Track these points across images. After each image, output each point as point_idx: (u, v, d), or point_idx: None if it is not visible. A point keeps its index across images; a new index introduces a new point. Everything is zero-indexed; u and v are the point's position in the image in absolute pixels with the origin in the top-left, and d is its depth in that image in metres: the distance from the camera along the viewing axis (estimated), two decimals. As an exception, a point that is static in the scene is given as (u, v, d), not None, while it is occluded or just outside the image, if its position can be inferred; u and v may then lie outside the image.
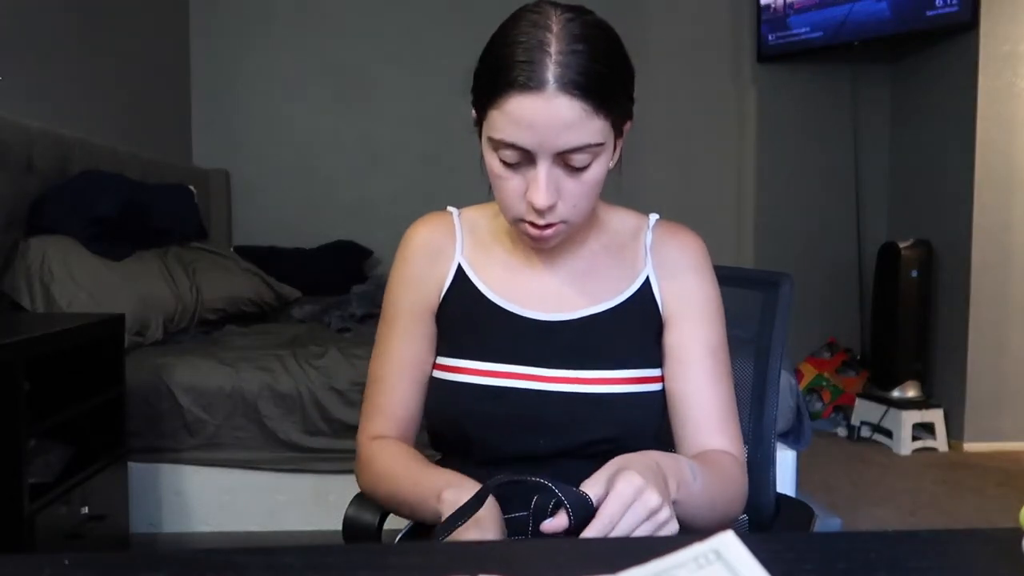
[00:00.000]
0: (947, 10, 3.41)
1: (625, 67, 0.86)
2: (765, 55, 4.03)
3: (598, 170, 0.85)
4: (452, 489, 0.82)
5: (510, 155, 0.83)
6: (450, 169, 3.91)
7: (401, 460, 0.93)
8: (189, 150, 3.92)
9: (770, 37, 3.98)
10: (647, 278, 0.97)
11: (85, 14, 2.95)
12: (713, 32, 4.10)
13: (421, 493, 0.87)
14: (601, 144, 0.83)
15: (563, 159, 0.83)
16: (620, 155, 0.91)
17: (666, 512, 0.72)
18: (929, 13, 3.47)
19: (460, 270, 0.98)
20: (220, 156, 3.93)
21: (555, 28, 0.81)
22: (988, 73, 3.37)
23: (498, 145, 0.83)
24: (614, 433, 0.90)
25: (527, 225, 0.87)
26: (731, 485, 0.90)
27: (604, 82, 0.81)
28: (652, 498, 0.71)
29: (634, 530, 0.70)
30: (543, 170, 0.82)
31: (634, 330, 0.95)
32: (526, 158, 0.83)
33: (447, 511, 0.78)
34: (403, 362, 0.98)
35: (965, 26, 3.38)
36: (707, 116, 4.11)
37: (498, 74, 0.81)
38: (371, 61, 4.00)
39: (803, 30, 3.86)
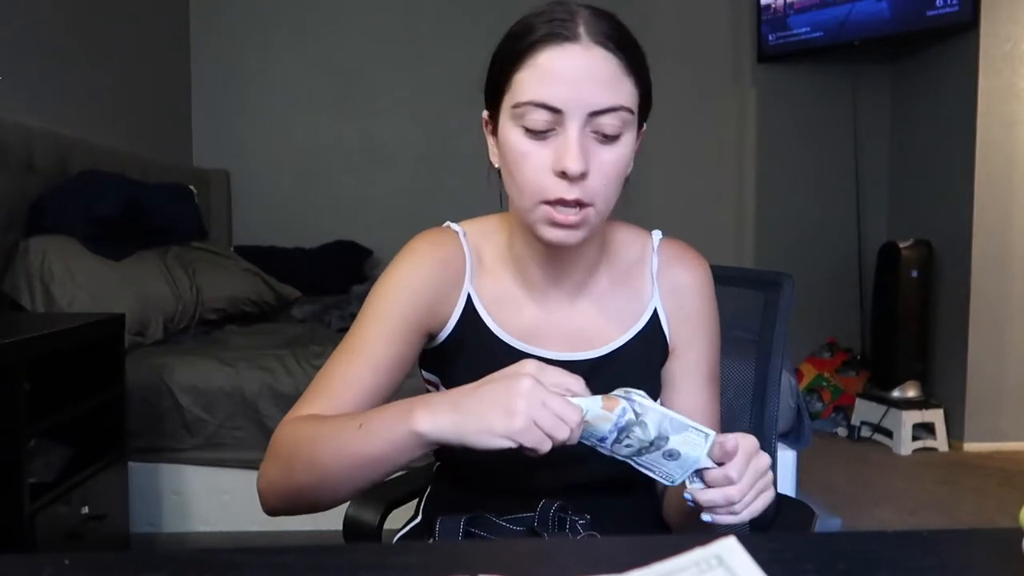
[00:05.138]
0: (947, 10, 3.41)
1: (645, 58, 0.83)
2: (765, 55, 4.03)
3: (626, 147, 0.81)
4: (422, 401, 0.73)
5: (538, 119, 0.78)
6: (450, 169, 3.92)
7: (333, 417, 0.80)
8: (189, 150, 3.92)
9: (770, 37, 3.98)
10: (655, 310, 0.94)
11: (85, 14, 2.95)
12: (713, 32, 4.10)
13: (378, 424, 0.74)
14: (632, 113, 0.80)
15: (594, 124, 0.78)
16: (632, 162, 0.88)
17: (771, 476, 0.74)
18: (929, 13, 3.46)
19: (469, 301, 0.91)
20: (220, 156, 3.93)
21: (578, 6, 0.80)
22: (988, 73, 3.37)
23: (523, 111, 0.78)
24: (616, 471, 0.85)
25: (551, 210, 0.79)
26: None
27: (634, 48, 0.81)
28: (766, 458, 0.74)
29: (752, 486, 0.72)
30: (574, 131, 0.77)
31: (642, 365, 0.93)
32: (555, 123, 0.78)
33: (432, 402, 0.71)
34: (376, 361, 0.85)
35: (965, 26, 3.38)
36: (707, 116, 4.11)
37: (523, 39, 0.79)
38: (371, 61, 4.00)
39: (803, 30, 3.86)
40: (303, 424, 0.80)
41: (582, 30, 0.78)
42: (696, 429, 0.71)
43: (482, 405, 0.69)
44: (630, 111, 0.80)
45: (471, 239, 0.93)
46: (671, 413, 0.71)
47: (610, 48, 0.78)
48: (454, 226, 0.95)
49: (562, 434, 0.67)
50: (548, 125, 0.78)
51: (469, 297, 0.91)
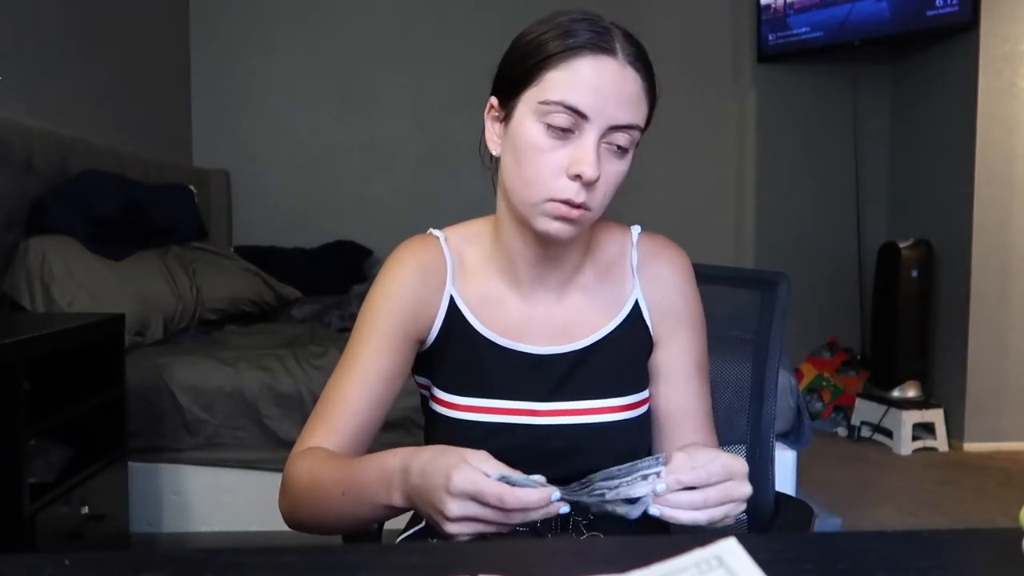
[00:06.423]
0: (947, 10, 3.41)
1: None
2: (765, 55, 4.03)
3: (629, 161, 0.86)
4: (415, 454, 0.75)
5: (562, 120, 0.81)
6: (450, 169, 3.92)
7: (336, 460, 0.85)
8: (189, 150, 3.92)
9: (770, 37, 3.98)
10: (636, 301, 0.96)
11: (85, 14, 2.95)
12: (713, 32, 4.10)
13: (357, 493, 0.80)
14: (641, 132, 0.85)
15: (610, 136, 0.82)
16: None
17: (743, 507, 0.73)
18: (929, 13, 3.47)
19: (452, 303, 0.93)
20: (220, 156, 3.93)
21: (611, 24, 0.84)
22: (988, 73, 3.37)
23: (550, 109, 0.81)
24: (612, 461, 0.86)
25: (559, 205, 0.83)
26: None
27: (653, 73, 0.86)
28: (747, 488, 0.72)
29: (717, 504, 0.70)
30: (593, 139, 0.81)
31: (627, 355, 0.95)
32: (575, 127, 0.81)
33: (395, 484, 0.75)
34: (368, 375, 0.90)
35: (965, 26, 3.38)
36: (707, 116, 4.11)
37: (560, 40, 0.82)
38: (371, 61, 4.00)
39: (803, 30, 3.86)
40: (305, 466, 0.86)
41: (618, 46, 0.82)
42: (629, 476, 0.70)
43: (426, 510, 0.72)
44: (641, 130, 0.85)
45: (452, 243, 0.96)
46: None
47: (639, 70, 0.83)
48: (436, 232, 0.97)
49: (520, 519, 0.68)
50: (569, 125, 0.82)
51: (452, 300, 0.93)
